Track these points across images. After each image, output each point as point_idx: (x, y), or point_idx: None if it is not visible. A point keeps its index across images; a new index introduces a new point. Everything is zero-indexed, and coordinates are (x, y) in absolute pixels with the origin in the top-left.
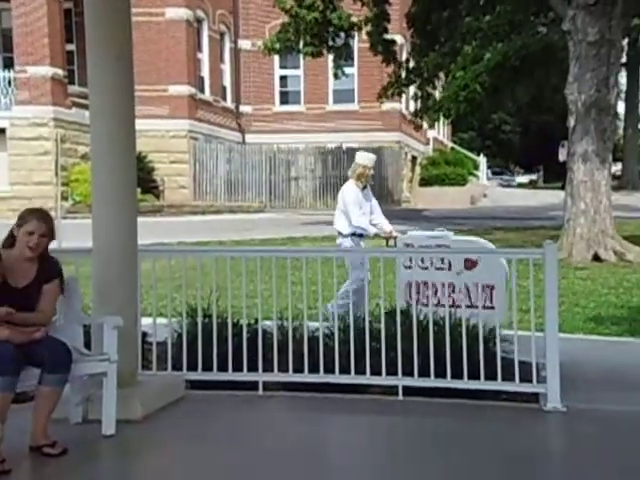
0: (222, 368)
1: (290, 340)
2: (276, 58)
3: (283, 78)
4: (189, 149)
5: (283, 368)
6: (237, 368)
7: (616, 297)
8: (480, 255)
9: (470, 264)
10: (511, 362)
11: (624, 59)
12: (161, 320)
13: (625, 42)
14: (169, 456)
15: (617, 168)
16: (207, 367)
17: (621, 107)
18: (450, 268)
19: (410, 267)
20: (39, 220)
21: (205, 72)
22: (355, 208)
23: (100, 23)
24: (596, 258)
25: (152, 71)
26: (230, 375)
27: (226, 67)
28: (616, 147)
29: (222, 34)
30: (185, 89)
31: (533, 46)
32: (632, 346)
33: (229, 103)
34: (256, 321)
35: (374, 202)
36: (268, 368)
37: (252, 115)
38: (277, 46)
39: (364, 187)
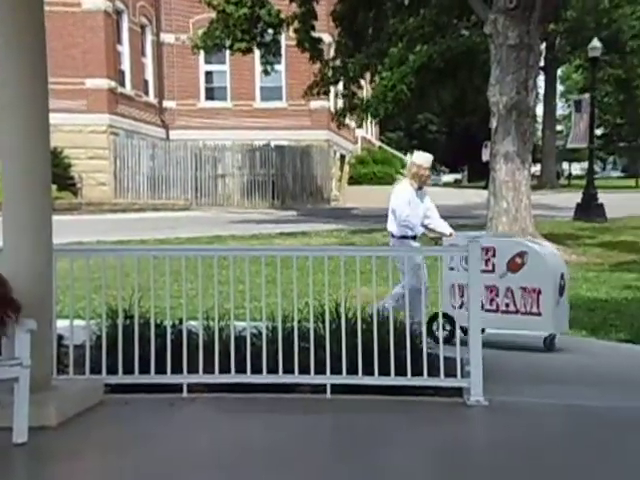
0: (144, 371)
1: (216, 340)
2: (201, 53)
3: (209, 73)
4: (109, 145)
5: (209, 369)
6: (160, 370)
7: None
8: (527, 256)
9: (515, 266)
10: (437, 358)
11: (542, 63)
12: (79, 322)
13: (543, 46)
14: (83, 464)
15: (536, 169)
16: (128, 370)
17: (539, 109)
18: (494, 270)
19: (453, 268)
20: None
21: (126, 65)
22: (404, 206)
23: (11, 13)
24: None
25: (68, 64)
26: (152, 378)
27: (148, 61)
28: (535, 148)
29: (143, 27)
30: (104, 82)
31: (456, 49)
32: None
33: (152, 98)
34: (181, 321)
35: (430, 205)
36: (193, 370)
37: (176, 110)
38: (205, 43)
39: (419, 188)
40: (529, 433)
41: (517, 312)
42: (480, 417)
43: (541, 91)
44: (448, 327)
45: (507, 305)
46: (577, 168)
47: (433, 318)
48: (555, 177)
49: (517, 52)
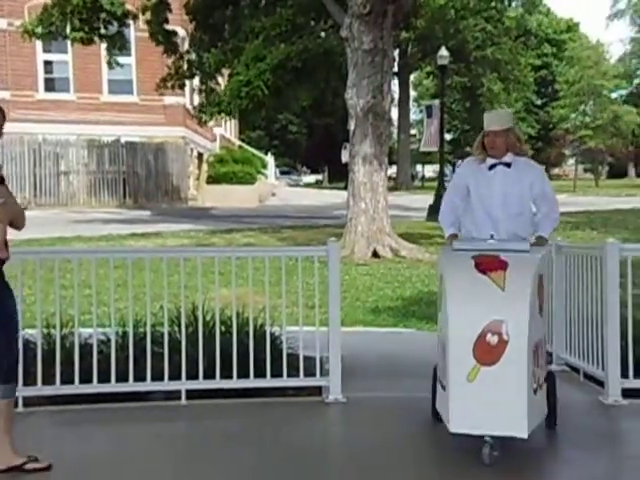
0: None
1: (58, 349)
2: (38, 41)
3: (48, 63)
4: None
5: (50, 381)
6: None
7: (392, 291)
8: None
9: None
10: (297, 358)
11: (395, 68)
12: None
13: (396, 52)
14: None
15: (392, 171)
16: None
17: (395, 113)
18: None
19: None
20: None
21: None
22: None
23: None
24: (375, 254)
25: None
26: None
27: None
28: (391, 151)
29: None
30: None
31: (314, 50)
32: (404, 336)
33: None
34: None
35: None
36: (30, 382)
37: (11, 102)
38: (39, 30)
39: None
40: (381, 426)
41: None
42: (338, 414)
43: (396, 96)
44: None
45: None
46: (430, 170)
47: None
48: (410, 179)
49: (372, 57)
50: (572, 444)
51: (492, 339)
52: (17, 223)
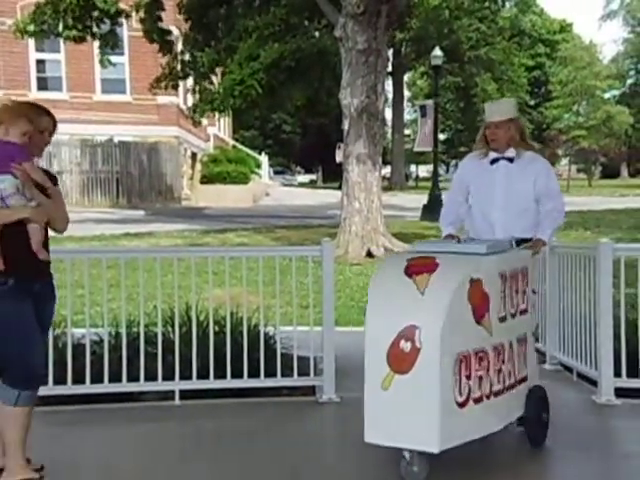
0: None
1: (51, 349)
2: (31, 40)
3: (40, 62)
4: None
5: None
6: None
7: None
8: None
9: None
10: (291, 358)
11: (389, 68)
12: None
13: (390, 52)
14: None
15: (387, 170)
16: None
17: (389, 114)
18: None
19: None
20: (49, 116)
21: None
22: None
23: None
24: (369, 254)
25: None
26: None
27: None
28: (385, 151)
29: None
30: None
31: (308, 49)
32: None
33: None
34: None
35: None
36: None
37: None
38: (31, 28)
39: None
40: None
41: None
42: (331, 413)
43: (390, 96)
44: None
45: (509, 375)
46: (424, 170)
47: None
48: (404, 179)
49: (366, 57)
50: (565, 443)
51: (405, 346)
52: (55, 224)
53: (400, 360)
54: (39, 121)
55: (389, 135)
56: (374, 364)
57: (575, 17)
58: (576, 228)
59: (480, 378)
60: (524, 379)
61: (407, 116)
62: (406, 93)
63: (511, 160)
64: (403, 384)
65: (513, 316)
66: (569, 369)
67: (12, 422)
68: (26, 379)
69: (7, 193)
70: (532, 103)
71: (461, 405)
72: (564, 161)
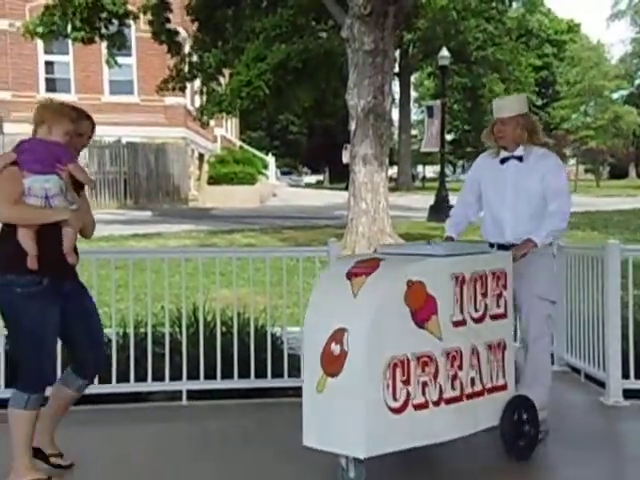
0: None
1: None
2: (40, 42)
3: (49, 64)
4: None
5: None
6: None
7: None
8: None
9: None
10: (298, 358)
11: (396, 69)
12: None
13: (397, 53)
14: None
15: (393, 171)
16: None
17: (395, 114)
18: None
19: None
20: (88, 120)
21: None
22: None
23: None
24: None
25: None
26: None
27: None
28: (392, 151)
29: None
30: None
31: (314, 50)
32: None
33: None
34: None
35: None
36: None
37: (12, 103)
38: (40, 30)
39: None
40: None
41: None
42: None
43: (397, 96)
44: None
45: (472, 382)
46: (430, 171)
47: None
48: (411, 179)
49: (373, 57)
50: (572, 445)
51: (335, 348)
52: (86, 231)
53: (331, 363)
54: (79, 124)
55: (396, 136)
56: (310, 366)
57: (583, 17)
58: (583, 228)
59: (424, 384)
60: (500, 388)
61: (414, 117)
62: (413, 94)
63: (520, 159)
64: (334, 387)
65: (478, 320)
66: (577, 370)
67: (21, 424)
68: (37, 384)
69: (52, 193)
70: (540, 103)
71: (396, 411)
72: (572, 161)
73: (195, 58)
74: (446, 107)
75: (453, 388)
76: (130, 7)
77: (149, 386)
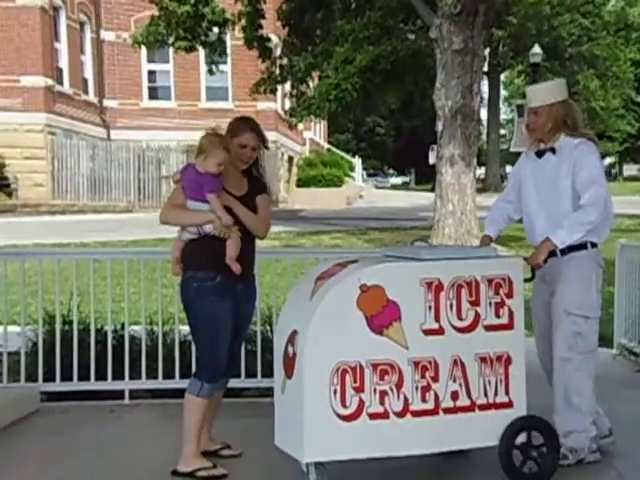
0: (84, 377)
1: (160, 345)
2: (143, 51)
3: (152, 72)
4: (46, 144)
5: (152, 375)
6: (101, 377)
7: None
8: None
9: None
10: None
11: (486, 68)
12: (14, 328)
13: (486, 52)
14: (18, 475)
15: (481, 172)
16: (67, 377)
17: (484, 114)
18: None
19: None
20: (252, 132)
21: (64, 63)
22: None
23: None
24: None
25: (2, 60)
26: (92, 384)
27: (87, 59)
28: (480, 152)
29: (82, 24)
30: (40, 80)
31: (402, 51)
32: None
33: (92, 97)
34: (122, 326)
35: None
36: (135, 376)
37: (118, 110)
38: (147, 40)
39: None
40: None
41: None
42: None
43: (485, 96)
44: None
45: (455, 396)
46: None
47: None
48: (499, 180)
49: (462, 57)
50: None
51: (290, 350)
52: (257, 233)
53: (288, 365)
54: (241, 136)
55: (484, 136)
56: (277, 367)
57: None
58: None
59: (383, 393)
60: (501, 405)
61: (503, 116)
62: (503, 92)
63: (554, 151)
64: (290, 389)
65: (463, 330)
66: (635, 354)
67: (193, 410)
68: (209, 373)
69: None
70: (639, 99)
71: (346, 418)
72: None
73: (285, 61)
74: None
75: (424, 400)
76: (228, 16)
77: (242, 382)
